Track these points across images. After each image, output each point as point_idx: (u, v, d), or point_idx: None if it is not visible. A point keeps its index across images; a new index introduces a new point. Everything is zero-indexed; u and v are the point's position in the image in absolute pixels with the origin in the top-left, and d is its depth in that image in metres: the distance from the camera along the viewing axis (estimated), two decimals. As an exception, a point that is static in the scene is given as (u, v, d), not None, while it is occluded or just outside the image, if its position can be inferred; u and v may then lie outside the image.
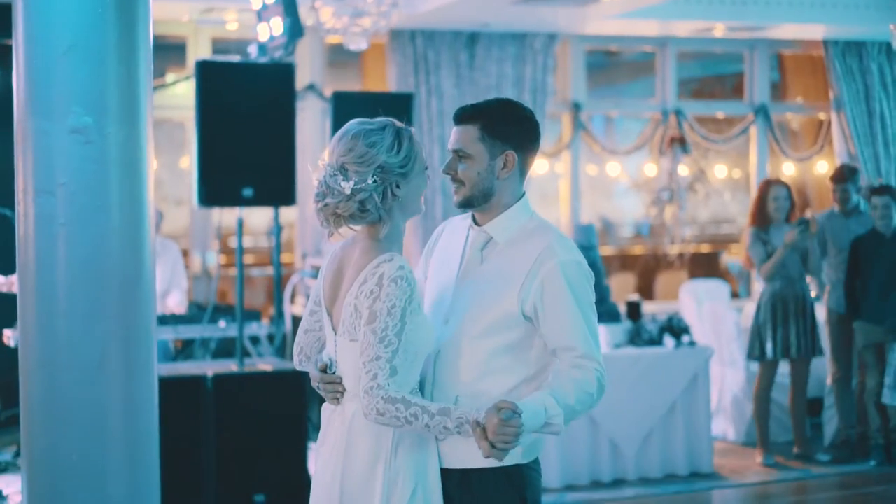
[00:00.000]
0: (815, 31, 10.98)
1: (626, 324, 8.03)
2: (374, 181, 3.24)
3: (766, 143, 11.38)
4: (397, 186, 3.28)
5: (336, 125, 7.22)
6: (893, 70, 11.27)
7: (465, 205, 3.43)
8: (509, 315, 3.30)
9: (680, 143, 10.94)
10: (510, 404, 3.04)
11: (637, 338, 7.91)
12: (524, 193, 3.46)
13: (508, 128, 3.39)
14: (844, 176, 8.56)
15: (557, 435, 3.24)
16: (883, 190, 8.37)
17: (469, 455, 3.22)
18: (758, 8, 10.21)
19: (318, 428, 6.57)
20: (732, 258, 13.14)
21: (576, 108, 10.75)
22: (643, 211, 11.72)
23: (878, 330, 8.12)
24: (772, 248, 8.15)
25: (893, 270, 8.05)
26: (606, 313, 7.90)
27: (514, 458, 3.20)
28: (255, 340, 8.32)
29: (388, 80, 10.18)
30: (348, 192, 3.24)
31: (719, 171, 12.46)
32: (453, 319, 3.37)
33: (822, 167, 11.91)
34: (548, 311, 3.27)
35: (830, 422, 8.78)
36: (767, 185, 8.32)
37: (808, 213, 8.32)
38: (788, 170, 11.88)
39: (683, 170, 11.07)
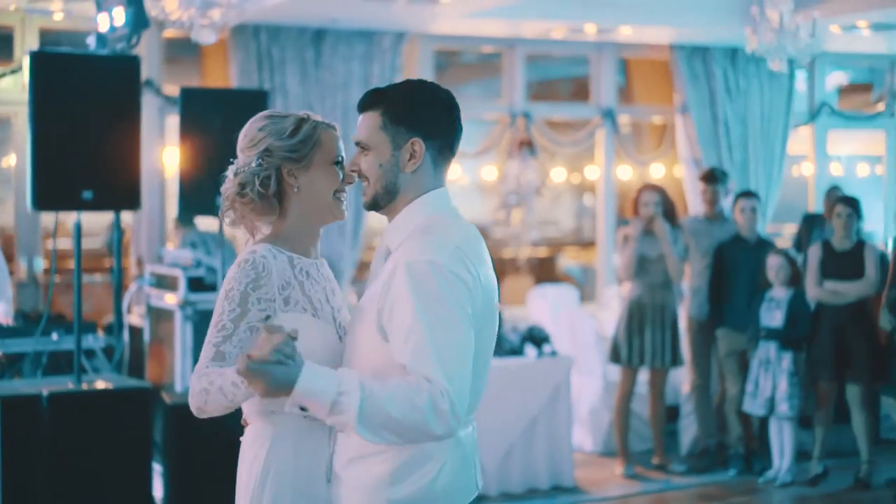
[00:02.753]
0: (662, 35, 10.91)
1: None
2: (259, 164, 3.04)
3: (612, 146, 11.27)
4: (291, 175, 3.05)
5: (185, 122, 6.74)
6: (738, 75, 11.28)
7: (372, 206, 3.01)
8: (371, 339, 2.87)
9: (528, 147, 10.74)
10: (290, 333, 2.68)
11: (497, 347, 7.62)
12: (435, 190, 2.96)
13: (414, 113, 2.93)
14: (716, 177, 8.45)
15: (353, 432, 2.69)
16: (750, 194, 8.30)
17: None
18: (605, 10, 10.06)
19: (161, 449, 6.10)
20: (571, 262, 13.04)
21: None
22: (488, 215, 11.49)
23: (742, 337, 8.03)
24: (642, 252, 7.95)
25: (757, 277, 7.97)
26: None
27: None
28: (89, 354, 7.75)
29: (230, 77, 9.68)
30: (231, 174, 3.09)
31: (556, 174, 12.34)
32: (346, 347, 3.02)
33: (658, 171, 11.85)
34: (392, 323, 2.79)
35: (686, 430, 8.66)
36: (640, 190, 8.13)
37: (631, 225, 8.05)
38: (625, 174, 11.77)
39: (530, 174, 10.86)
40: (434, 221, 2.91)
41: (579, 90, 11.59)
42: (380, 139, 2.95)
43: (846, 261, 7.76)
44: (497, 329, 3.01)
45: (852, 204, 7.85)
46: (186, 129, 6.82)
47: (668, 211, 8.01)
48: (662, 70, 11.47)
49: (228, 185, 3.10)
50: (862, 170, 13.28)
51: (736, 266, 8.10)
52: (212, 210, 6.77)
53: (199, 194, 6.80)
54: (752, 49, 8.90)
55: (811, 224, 10.34)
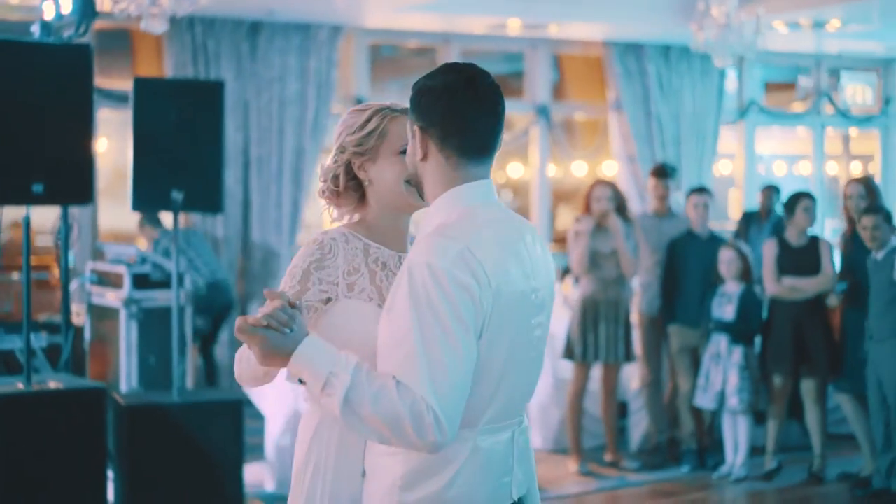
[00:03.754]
0: (595, 32, 10.91)
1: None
2: (334, 161, 3.03)
3: (547, 142, 11.23)
4: (361, 169, 2.99)
5: (138, 114, 6.48)
6: (671, 73, 11.33)
7: (421, 196, 2.86)
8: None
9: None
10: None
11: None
12: (467, 183, 2.74)
13: (416, 99, 2.76)
14: (666, 171, 8.42)
15: (332, 413, 2.59)
16: (703, 190, 8.29)
17: None
18: (540, 6, 10.03)
19: (114, 452, 5.85)
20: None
21: (358, 104, 10.25)
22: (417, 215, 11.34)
23: (694, 333, 8.02)
24: (594, 248, 7.88)
25: (709, 273, 7.96)
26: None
27: None
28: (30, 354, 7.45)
29: (164, 69, 9.44)
30: (320, 172, 3.10)
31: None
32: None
33: (580, 169, 11.84)
34: (387, 324, 2.64)
35: (636, 427, 8.64)
36: (592, 185, 8.07)
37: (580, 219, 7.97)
38: (550, 171, 11.74)
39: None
40: (457, 219, 2.71)
41: (514, 87, 11.53)
42: (409, 128, 2.81)
43: (802, 256, 7.78)
44: (534, 334, 2.78)
45: (814, 199, 7.90)
46: (140, 121, 6.57)
47: (621, 206, 7.96)
48: (596, 67, 11.47)
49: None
50: (783, 168, 13.42)
51: (688, 262, 8.08)
52: (167, 205, 6.55)
53: (153, 189, 6.55)
54: (697, 45, 8.91)
55: (749, 221, 10.42)
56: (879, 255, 7.19)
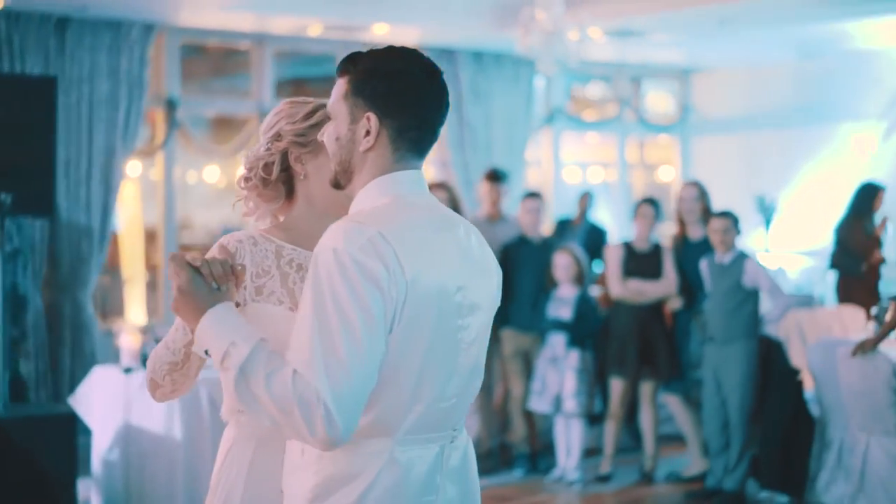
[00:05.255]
0: (410, 36, 10.85)
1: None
2: (267, 148, 2.87)
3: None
4: (298, 161, 2.84)
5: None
6: (483, 78, 11.36)
7: (335, 184, 2.65)
8: None
9: (278, 146, 10.41)
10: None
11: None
12: (396, 172, 2.56)
13: (373, 84, 2.53)
14: (499, 176, 8.43)
15: (229, 389, 2.49)
16: (535, 195, 8.32)
17: None
18: (354, 9, 9.91)
19: None
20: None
21: (171, 105, 9.92)
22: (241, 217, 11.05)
23: (527, 337, 8.04)
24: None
25: (542, 277, 7.99)
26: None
27: None
28: None
29: (-34, 65, 8.88)
30: (244, 160, 2.93)
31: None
32: None
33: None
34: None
35: (467, 431, 8.58)
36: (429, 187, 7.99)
37: None
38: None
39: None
40: (378, 207, 2.53)
41: (326, 90, 11.36)
42: (340, 109, 2.58)
43: (646, 261, 7.90)
44: (460, 337, 2.57)
45: (656, 205, 8.02)
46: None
47: (455, 209, 7.92)
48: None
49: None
50: (590, 175, 13.67)
51: (521, 266, 8.10)
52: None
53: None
54: (522, 51, 8.95)
55: (563, 228, 10.53)
56: (726, 259, 7.34)
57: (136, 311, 10.03)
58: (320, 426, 2.33)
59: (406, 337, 2.46)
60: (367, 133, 2.53)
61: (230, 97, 11.29)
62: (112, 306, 10.23)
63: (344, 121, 2.57)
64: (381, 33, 10.61)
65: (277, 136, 2.86)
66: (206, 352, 2.49)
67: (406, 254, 2.43)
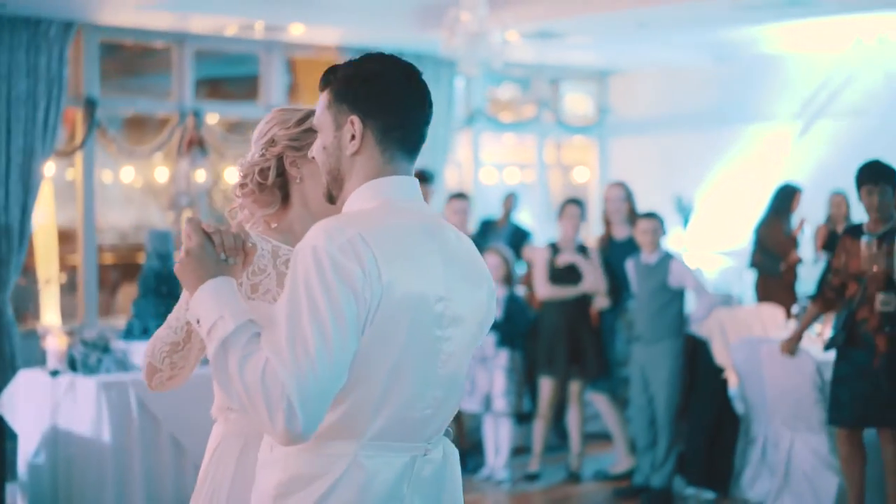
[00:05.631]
0: (330, 37, 10.84)
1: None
2: (261, 154, 2.93)
3: (281, 148, 11.06)
4: (294, 165, 2.90)
5: None
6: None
7: (328, 198, 2.67)
8: None
9: (199, 146, 10.34)
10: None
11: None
12: (386, 177, 2.57)
13: (354, 88, 2.57)
14: (426, 177, 8.48)
15: (210, 358, 2.43)
16: (462, 196, 8.36)
17: None
18: (277, 9, 9.87)
19: None
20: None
21: (90, 104, 9.78)
22: (159, 217, 10.96)
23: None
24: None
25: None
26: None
27: None
28: None
29: None
30: (239, 168, 3.00)
31: (230, 175, 11.95)
32: None
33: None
34: None
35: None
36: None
37: None
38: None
39: (201, 174, 10.47)
40: (366, 209, 2.55)
41: (251, 89, 11.29)
42: (325, 120, 2.61)
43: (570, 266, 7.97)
44: (438, 347, 2.56)
45: (581, 206, 8.09)
46: None
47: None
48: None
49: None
50: (511, 176, 13.75)
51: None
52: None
53: None
54: (447, 53, 8.98)
55: (487, 229, 10.59)
56: (652, 260, 7.44)
57: (50, 314, 9.87)
58: (280, 419, 2.32)
59: (377, 340, 2.46)
60: (353, 137, 2.57)
61: (148, 97, 11.16)
62: (27, 308, 10.06)
63: (329, 129, 2.60)
64: (298, 33, 10.58)
65: (272, 142, 2.92)
66: (198, 321, 2.48)
67: (385, 258, 2.44)
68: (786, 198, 9.69)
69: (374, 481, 2.52)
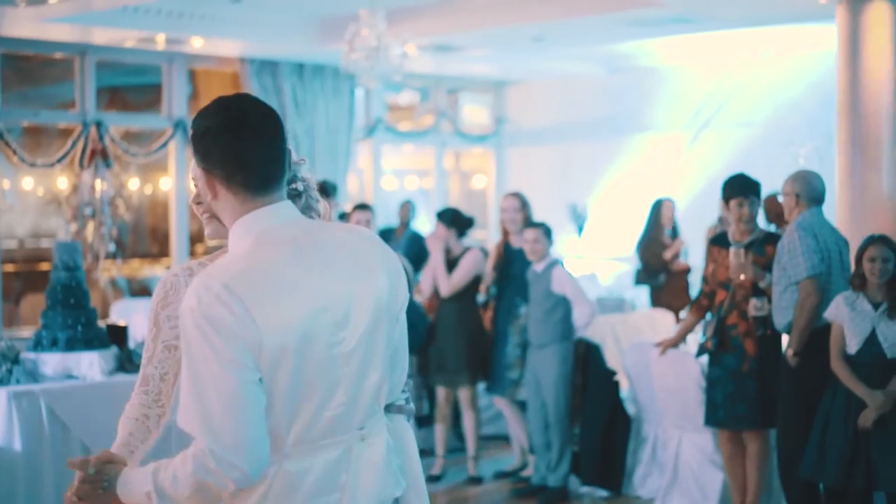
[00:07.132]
0: (232, 49, 10.98)
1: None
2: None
3: (184, 156, 11.17)
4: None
5: None
6: (305, 90, 11.56)
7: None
8: None
9: (102, 157, 10.42)
10: (106, 462, 2.83)
11: (129, 363, 7.34)
12: (251, 213, 2.70)
13: (195, 142, 2.73)
14: (327, 190, 8.64)
15: None
16: (364, 206, 8.56)
17: None
18: (176, 21, 10.00)
19: None
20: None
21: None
22: (63, 228, 10.99)
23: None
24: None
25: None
26: (98, 339, 7.24)
27: None
28: None
29: None
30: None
31: (133, 185, 12.03)
32: None
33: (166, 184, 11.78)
34: None
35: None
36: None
37: None
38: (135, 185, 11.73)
39: (104, 184, 10.55)
40: (237, 254, 2.70)
41: (153, 99, 11.39)
42: (195, 168, 2.81)
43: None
44: (336, 351, 2.69)
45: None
46: None
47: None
48: (231, 82, 11.54)
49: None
50: (410, 183, 13.99)
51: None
52: None
53: None
54: (347, 67, 9.19)
55: (386, 238, 10.79)
56: (539, 267, 7.73)
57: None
58: (223, 474, 2.56)
59: (269, 370, 2.62)
60: (206, 185, 2.74)
61: (50, 107, 11.20)
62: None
63: (198, 177, 2.78)
64: (198, 46, 10.71)
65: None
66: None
67: (254, 301, 2.58)
68: (657, 212, 10.28)
69: (304, 481, 2.70)
